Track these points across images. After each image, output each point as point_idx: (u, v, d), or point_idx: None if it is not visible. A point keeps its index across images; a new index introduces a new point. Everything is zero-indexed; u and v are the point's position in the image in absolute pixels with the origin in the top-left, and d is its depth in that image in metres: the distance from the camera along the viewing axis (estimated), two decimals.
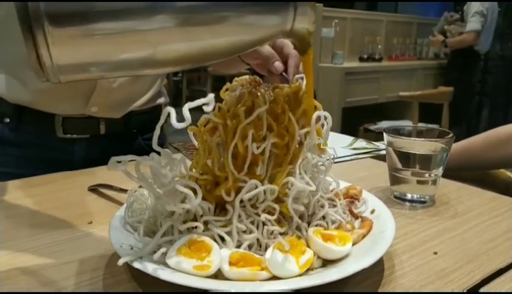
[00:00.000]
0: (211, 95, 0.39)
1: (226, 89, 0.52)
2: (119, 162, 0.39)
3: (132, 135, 0.95)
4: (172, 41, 0.36)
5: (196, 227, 0.44)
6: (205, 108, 0.39)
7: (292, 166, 0.47)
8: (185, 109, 0.38)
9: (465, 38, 3.54)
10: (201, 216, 0.45)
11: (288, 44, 0.67)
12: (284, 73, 0.66)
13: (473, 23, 3.46)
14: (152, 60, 0.36)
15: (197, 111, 0.41)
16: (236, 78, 0.52)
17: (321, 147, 0.50)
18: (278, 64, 0.66)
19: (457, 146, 0.65)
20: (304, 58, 0.47)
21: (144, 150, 0.96)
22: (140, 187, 0.50)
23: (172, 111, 0.37)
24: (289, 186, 0.46)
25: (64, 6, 0.30)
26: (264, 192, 0.45)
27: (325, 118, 0.48)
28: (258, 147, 0.45)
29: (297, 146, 0.48)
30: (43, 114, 0.84)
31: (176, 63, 0.39)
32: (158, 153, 0.44)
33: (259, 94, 0.47)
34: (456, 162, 0.81)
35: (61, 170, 0.78)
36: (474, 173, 0.91)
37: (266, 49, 0.67)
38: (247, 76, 0.52)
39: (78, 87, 0.82)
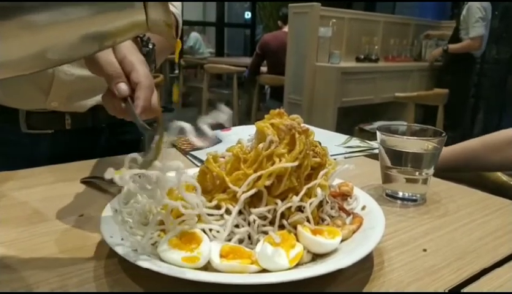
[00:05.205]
0: (228, 111, 0.39)
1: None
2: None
3: (101, 130, 0.91)
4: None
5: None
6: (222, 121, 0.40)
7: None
8: (206, 127, 0.38)
9: (470, 44, 3.51)
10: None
11: (138, 70, 0.55)
12: (130, 100, 0.54)
13: (478, 28, 3.45)
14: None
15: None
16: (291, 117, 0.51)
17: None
18: (123, 87, 0.54)
19: (456, 147, 0.66)
20: None
21: (112, 146, 0.92)
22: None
23: (187, 126, 0.39)
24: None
25: None
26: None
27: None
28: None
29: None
30: (7, 109, 0.82)
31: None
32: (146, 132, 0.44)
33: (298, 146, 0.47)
34: (454, 163, 0.81)
35: (25, 166, 0.76)
36: (470, 173, 0.92)
37: (112, 66, 0.54)
38: (298, 117, 0.51)
39: (35, 82, 0.80)
